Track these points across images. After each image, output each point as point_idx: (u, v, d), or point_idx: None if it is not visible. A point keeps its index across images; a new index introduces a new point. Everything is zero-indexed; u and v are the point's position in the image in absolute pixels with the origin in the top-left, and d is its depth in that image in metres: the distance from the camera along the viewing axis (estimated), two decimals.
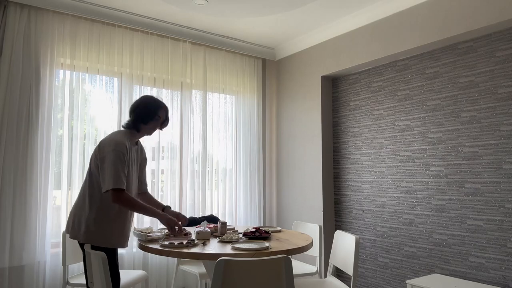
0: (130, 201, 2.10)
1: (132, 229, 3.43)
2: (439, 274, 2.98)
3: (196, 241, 2.24)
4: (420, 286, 2.69)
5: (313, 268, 3.05)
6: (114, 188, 2.05)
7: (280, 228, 2.88)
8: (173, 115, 3.83)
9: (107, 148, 2.12)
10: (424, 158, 3.17)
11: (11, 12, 3.04)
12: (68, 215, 2.77)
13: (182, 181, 3.87)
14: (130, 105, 2.46)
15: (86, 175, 2.21)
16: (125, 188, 2.10)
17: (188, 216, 3.85)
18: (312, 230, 3.12)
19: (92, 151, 2.69)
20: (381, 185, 3.49)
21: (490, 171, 2.75)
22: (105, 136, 2.27)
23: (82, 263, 3.12)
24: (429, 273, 3.07)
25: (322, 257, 3.75)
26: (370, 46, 3.49)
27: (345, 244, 2.58)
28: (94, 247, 2.09)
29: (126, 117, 3.52)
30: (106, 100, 3.49)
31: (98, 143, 2.21)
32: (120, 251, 3.38)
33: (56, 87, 3.23)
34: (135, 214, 3.18)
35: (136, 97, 3.61)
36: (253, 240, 2.37)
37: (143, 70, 3.68)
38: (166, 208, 2.47)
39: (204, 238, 2.41)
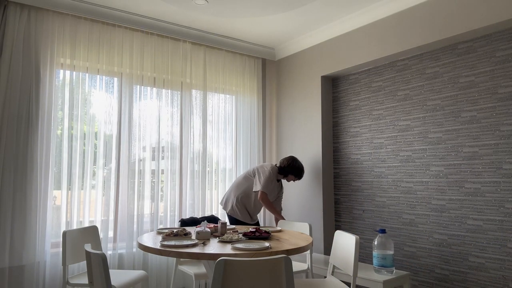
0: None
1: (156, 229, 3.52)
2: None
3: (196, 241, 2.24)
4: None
5: (303, 266, 3.08)
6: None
7: (280, 228, 2.88)
8: (173, 115, 3.84)
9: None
10: (424, 158, 3.17)
11: (11, 12, 3.05)
12: (67, 214, 3.27)
13: (182, 181, 3.87)
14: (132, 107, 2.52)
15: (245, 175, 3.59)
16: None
17: (188, 216, 3.85)
18: (300, 229, 3.15)
19: (92, 150, 3.06)
20: (381, 185, 3.49)
21: (490, 171, 2.75)
22: None
23: (82, 263, 3.14)
24: (429, 273, 3.07)
25: (313, 254, 3.79)
26: (370, 46, 3.49)
27: (345, 244, 2.58)
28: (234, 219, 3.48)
29: (126, 117, 3.53)
30: (106, 100, 3.49)
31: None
32: (120, 251, 3.41)
33: (56, 87, 3.23)
34: None
35: (136, 97, 3.62)
36: (253, 240, 2.37)
37: (143, 70, 3.68)
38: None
39: (204, 238, 2.41)
